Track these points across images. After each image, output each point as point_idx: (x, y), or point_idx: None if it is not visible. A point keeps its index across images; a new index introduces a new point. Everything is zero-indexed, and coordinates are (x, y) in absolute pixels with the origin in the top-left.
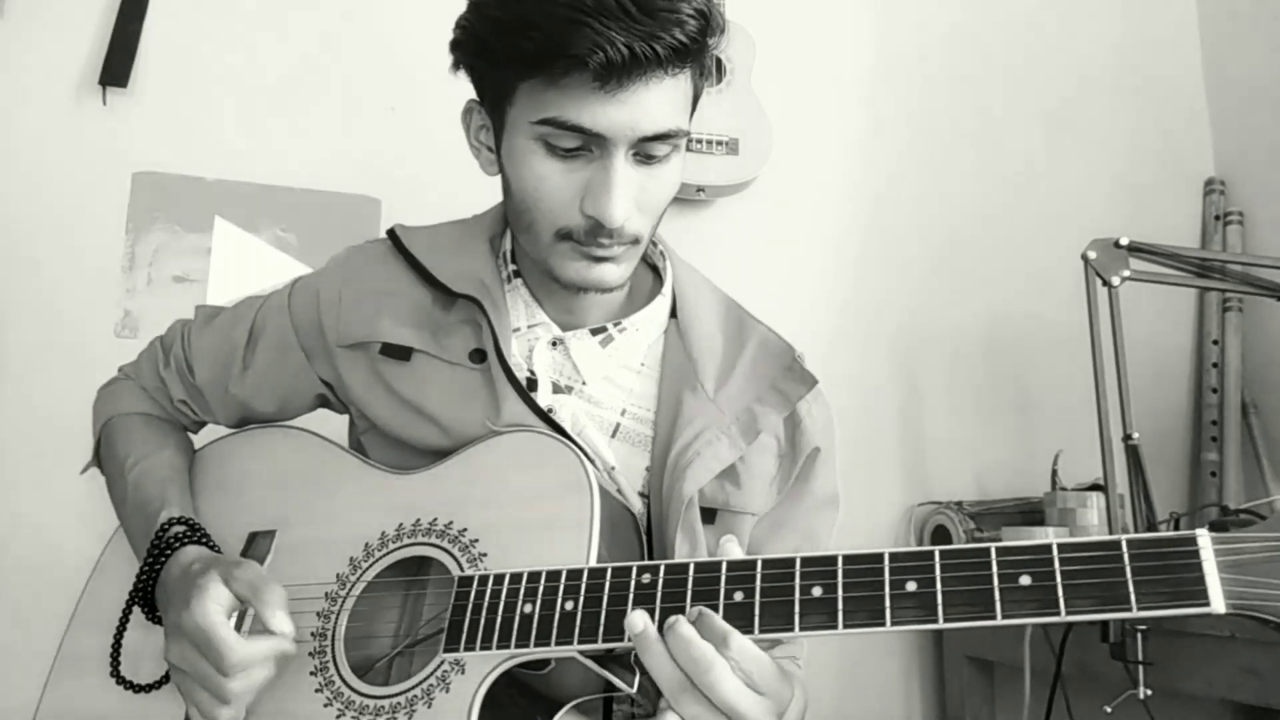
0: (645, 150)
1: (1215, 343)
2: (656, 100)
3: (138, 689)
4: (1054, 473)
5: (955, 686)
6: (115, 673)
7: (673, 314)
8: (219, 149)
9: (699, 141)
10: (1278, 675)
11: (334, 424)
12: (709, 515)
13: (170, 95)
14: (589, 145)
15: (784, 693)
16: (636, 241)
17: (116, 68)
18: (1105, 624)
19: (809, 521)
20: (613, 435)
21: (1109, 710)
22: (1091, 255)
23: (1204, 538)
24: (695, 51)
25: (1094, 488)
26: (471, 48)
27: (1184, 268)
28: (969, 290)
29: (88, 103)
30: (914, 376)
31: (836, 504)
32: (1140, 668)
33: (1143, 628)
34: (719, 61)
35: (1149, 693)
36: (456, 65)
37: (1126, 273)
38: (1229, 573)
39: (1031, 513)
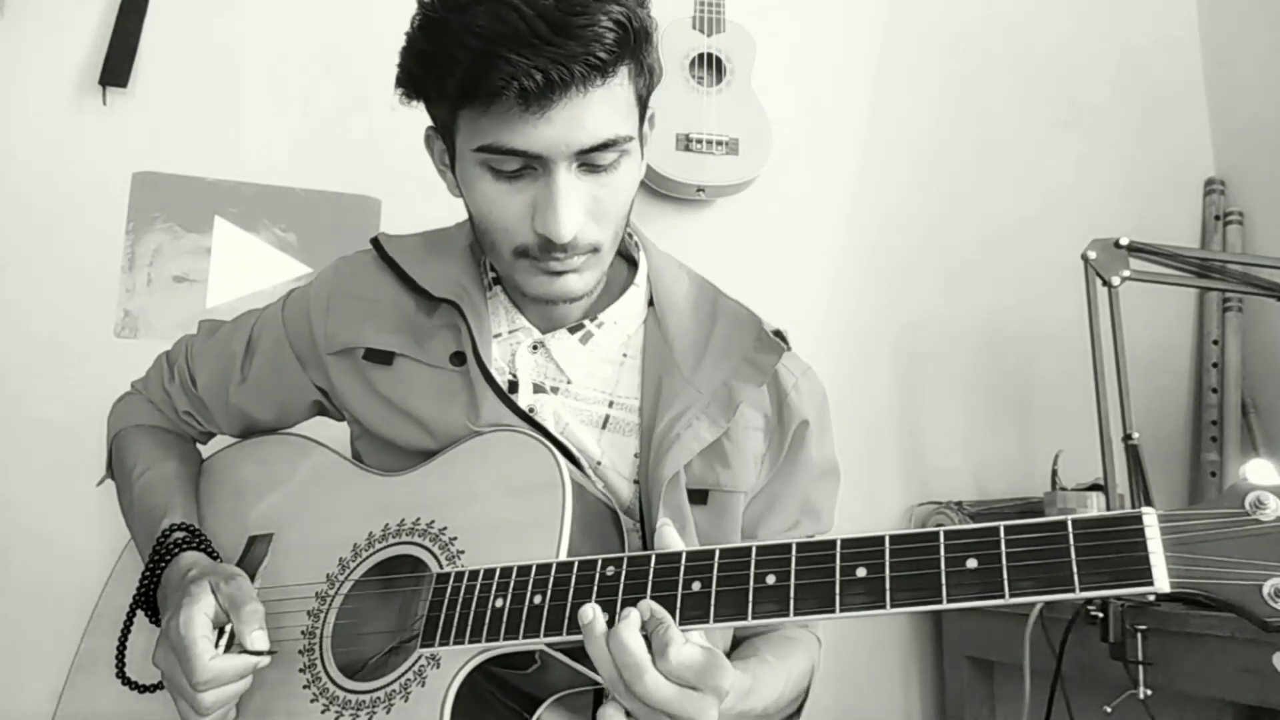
0: (589, 161)
1: (1215, 343)
2: (588, 113)
3: (141, 689)
4: (1054, 473)
5: (955, 686)
6: (120, 673)
7: (651, 302)
8: (219, 149)
9: (699, 141)
10: (1278, 675)
11: (335, 431)
12: (701, 496)
13: (170, 95)
14: (530, 165)
15: (723, 683)
16: (596, 250)
17: (116, 68)
18: (1105, 623)
19: (805, 492)
20: (603, 427)
21: (1109, 710)
22: (1091, 255)
23: (1150, 516)
24: (614, 62)
25: (1094, 488)
26: (408, 83)
27: (1184, 268)
28: (969, 290)
29: (88, 103)
30: (914, 376)
31: (836, 474)
32: (1140, 668)
33: (1142, 627)
34: (719, 61)
35: (1149, 693)
36: (407, 97)
37: (1126, 273)
38: (1175, 550)
39: (1031, 513)
